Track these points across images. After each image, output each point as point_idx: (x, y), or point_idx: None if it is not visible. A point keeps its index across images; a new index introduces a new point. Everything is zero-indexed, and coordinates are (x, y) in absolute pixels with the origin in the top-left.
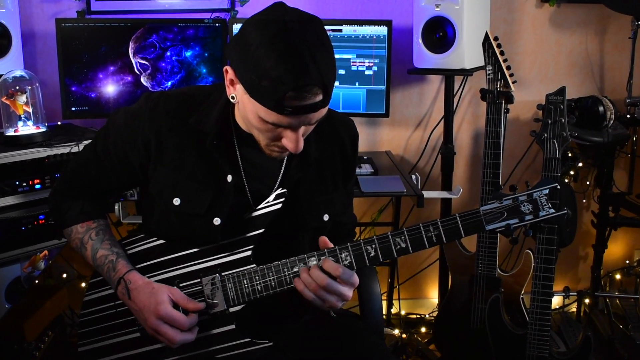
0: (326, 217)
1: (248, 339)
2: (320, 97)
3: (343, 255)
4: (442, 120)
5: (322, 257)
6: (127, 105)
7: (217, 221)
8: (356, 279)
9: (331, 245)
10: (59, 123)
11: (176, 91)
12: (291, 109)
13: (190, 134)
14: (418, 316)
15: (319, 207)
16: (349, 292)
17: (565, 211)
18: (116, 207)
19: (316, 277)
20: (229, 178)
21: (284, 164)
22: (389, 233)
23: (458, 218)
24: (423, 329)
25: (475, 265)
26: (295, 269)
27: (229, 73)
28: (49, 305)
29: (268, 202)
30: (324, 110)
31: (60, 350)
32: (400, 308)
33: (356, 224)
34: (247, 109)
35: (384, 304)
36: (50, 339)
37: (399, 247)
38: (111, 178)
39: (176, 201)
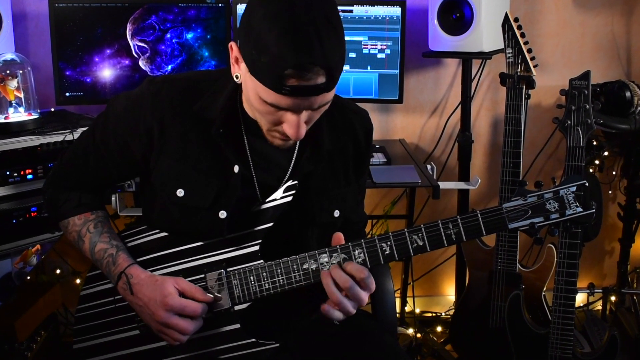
0: (337, 213)
1: (253, 340)
2: (322, 80)
3: (356, 252)
4: (459, 107)
5: (334, 254)
6: (125, 90)
7: (222, 214)
8: (374, 285)
9: (343, 241)
10: (52, 109)
11: (180, 76)
12: (290, 89)
13: (194, 121)
14: (433, 314)
15: (330, 202)
16: (366, 298)
17: (594, 210)
18: (113, 198)
19: (339, 278)
20: (236, 169)
21: (295, 155)
22: (405, 230)
23: (479, 215)
24: (439, 328)
25: (495, 261)
26: (305, 266)
27: (234, 50)
28: (42, 303)
29: (278, 194)
30: (327, 96)
31: (54, 350)
32: (414, 306)
33: (366, 223)
34: (248, 88)
35: (398, 301)
36: (42, 338)
37: (415, 244)
38: (111, 169)
39: (179, 193)
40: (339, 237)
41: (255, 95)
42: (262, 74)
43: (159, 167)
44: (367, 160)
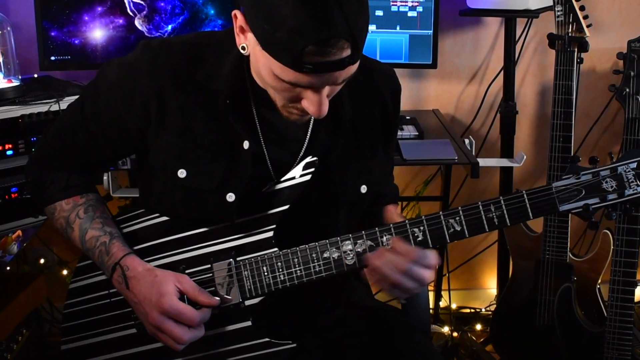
0: (364, 189)
1: (267, 339)
2: (347, 52)
3: (384, 238)
4: (502, 73)
5: (358, 241)
6: (119, 54)
7: (231, 197)
8: (434, 259)
9: None
10: (36, 76)
11: (180, 39)
12: (312, 67)
13: (198, 92)
14: (472, 310)
15: (355, 177)
16: (429, 274)
17: None
18: (105, 178)
19: (394, 261)
20: (246, 144)
21: (311, 126)
22: (440, 213)
23: (525, 195)
24: (478, 326)
25: (542, 249)
26: (325, 255)
27: (239, 19)
28: (23, 298)
29: (294, 173)
30: (352, 68)
31: (38, 351)
32: (450, 301)
33: (398, 196)
34: (259, 64)
35: (431, 295)
36: (24, 338)
37: (452, 230)
38: (103, 146)
39: (181, 173)
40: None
41: (268, 72)
42: (278, 50)
43: (157, 144)
44: (396, 126)
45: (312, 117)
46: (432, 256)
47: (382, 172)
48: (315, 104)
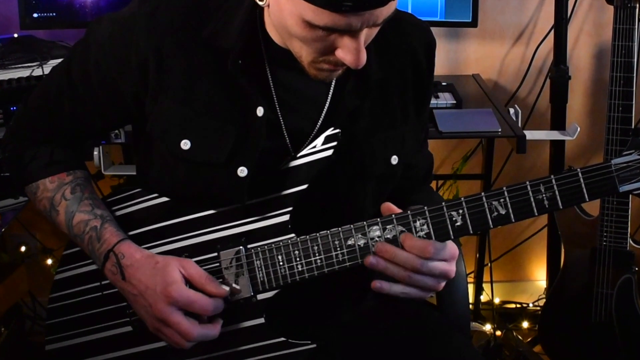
0: (394, 160)
1: (282, 339)
2: None
3: (418, 223)
4: (552, 32)
5: (387, 226)
6: (111, 11)
7: (242, 172)
8: (454, 251)
9: (398, 210)
10: (16, 35)
11: None
12: (351, 4)
13: (203, 51)
14: (518, 306)
15: (384, 146)
16: (451, 267)
17: None
18: (95, 152)
19: (401, 260)
20: (260, 111)
21: (332, 88)
22: (482, 194)
23: (580, 174)
24: (525, 324)
25: (599, 235)
26: (350, 242)
27: None
28: (1, 291)
29: (316, 145)
30: (393, 4)
31: (18, 352)
32: (493, 295)
33: (433, 166)
34: (284, 13)
35: (471, 288)
36: (3, 337)
37: (496, 213)
38: (93, 115)
39: (185, 144)
40: (388, 208)
41: (297, 20)
42: None
43: (157, 111)
44: (430, 86)
45: (334, 79)
46: (450, 248)
47: (414, 140)
48: (353, 51)
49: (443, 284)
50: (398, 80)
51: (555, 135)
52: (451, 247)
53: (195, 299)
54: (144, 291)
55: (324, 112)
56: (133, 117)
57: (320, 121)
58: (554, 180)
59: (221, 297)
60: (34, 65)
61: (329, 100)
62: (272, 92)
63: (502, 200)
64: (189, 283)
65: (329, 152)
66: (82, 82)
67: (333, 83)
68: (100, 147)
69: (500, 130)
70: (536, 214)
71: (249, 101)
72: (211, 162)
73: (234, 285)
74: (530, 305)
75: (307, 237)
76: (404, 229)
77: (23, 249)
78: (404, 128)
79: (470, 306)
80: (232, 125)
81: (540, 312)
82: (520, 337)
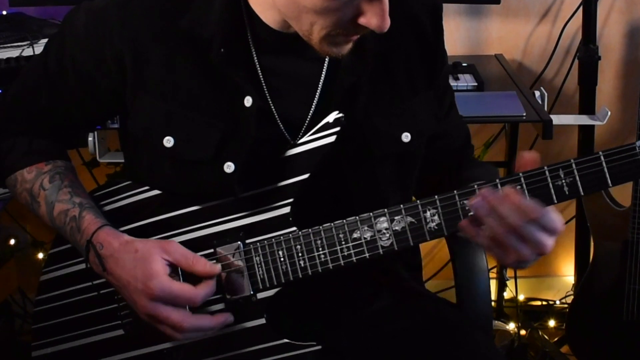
0: (406, 137)
1: (285, 340)
2: None
3: (428, 214)
4: (581, 9)
5: (396, 217)
6: None
7: (229, 168)
8: (559, 223)
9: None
10: (5, 13)
11: None
12: None
13: (182, 42)
14: (544, 303)
15: (390, 124)
16: (551, 241)
17: None
18: (90, 139)
19: (503, 211)
20: (248, 101)
21: (325, 68)
22: (497, 180)
23: (602, 157)
24: (551, 323)
25: (631, 227)
26: (356, 235)
27: None
28: None
29: (315, 132)
30: None
31: (7, 352)
32: (517, 291)
33: (469, 134)
34: None
35: (493, 284)
36: None
37: None
38: (71, 108)
39: (168, 142)
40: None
41: None
42: None
43: (136, 107)
44: (439, 52)
45: (327, 58)
46: (556, 218)
47: (429, 110)
48: (379, 14)
49: (533, 261)
50: (400, 53)
51: (584, 119)
52: (558, 219)
53: (178, 293)
54: (126, 285)
55: (317, 93)
56: (115, 112)
57: (314, 104)
58: (574, 165)
59: (213, 275)
60: (24, 45)
61: (321, 80)
62: (260, 79)
63: (517, 187)
64: (175, 268)
65: (332, 138)
66: (59, 76)
67: (326, 63)
68: (95, 132)
69: (524, 114)
70: (555, 201)
71: (236, 92)
72: (196, 159)
73: (231, 281)
74: (557, 302)
75: (310, 230)
76: (413, 220)
77: (12, 242)
78: (412, 101)
79: (493, 303)
80: (219, 118)
81: (567, 310)
82: (546, 337)
